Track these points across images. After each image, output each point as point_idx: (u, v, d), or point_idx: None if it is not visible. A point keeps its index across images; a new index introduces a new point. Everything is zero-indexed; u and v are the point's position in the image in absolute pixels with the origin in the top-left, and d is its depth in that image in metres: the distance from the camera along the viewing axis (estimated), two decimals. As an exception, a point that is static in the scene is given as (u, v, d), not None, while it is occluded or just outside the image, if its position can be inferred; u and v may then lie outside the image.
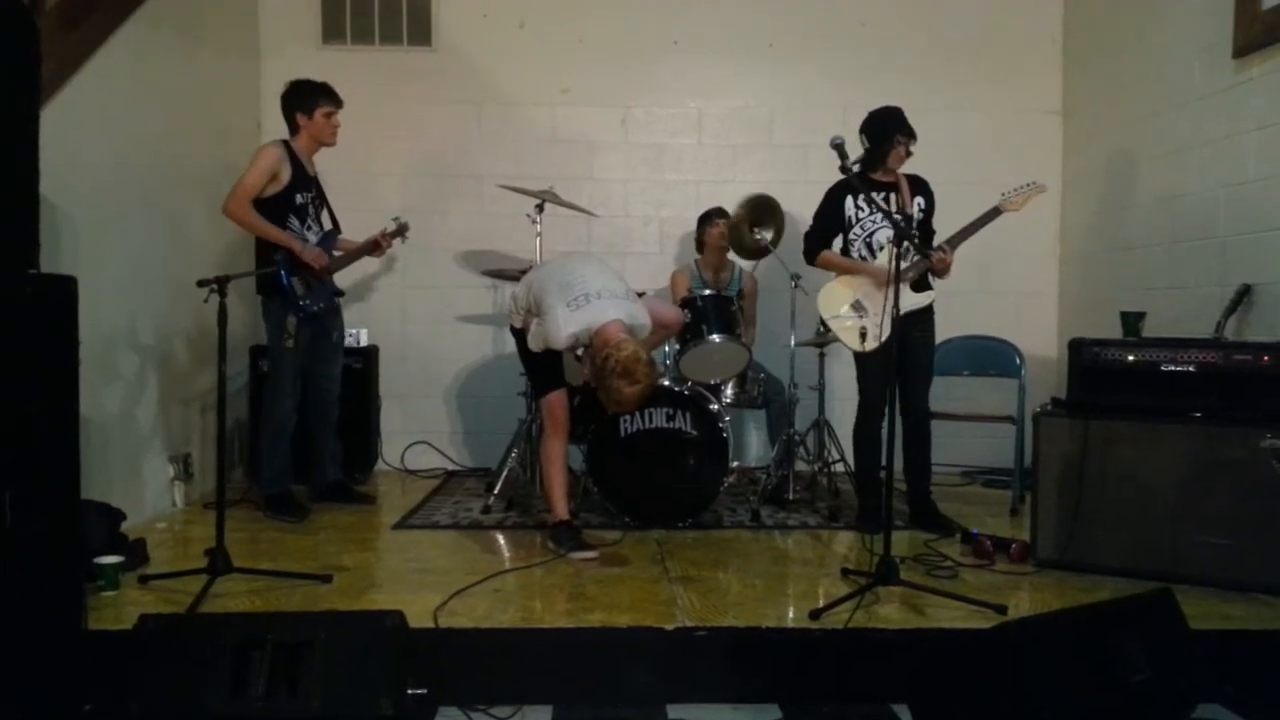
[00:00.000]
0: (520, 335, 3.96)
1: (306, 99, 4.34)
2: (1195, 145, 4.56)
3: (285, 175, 4.26)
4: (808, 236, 4.31)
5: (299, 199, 4.33)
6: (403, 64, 5.74)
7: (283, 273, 4.20)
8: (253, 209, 4.19)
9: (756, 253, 4.86)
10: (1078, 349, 3.65)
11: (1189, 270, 4.58)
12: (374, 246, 4.63)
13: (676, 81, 5.88)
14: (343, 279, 4.73)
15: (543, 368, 3.90)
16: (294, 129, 4.37)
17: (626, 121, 5.89)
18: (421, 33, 5.75)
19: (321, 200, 4.54)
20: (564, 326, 3.59)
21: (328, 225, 4.56)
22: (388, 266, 5.72)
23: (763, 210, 4.74)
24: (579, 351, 3.78)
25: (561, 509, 3.85)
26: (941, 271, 4.07)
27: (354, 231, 4.70)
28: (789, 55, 5.85)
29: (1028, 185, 4.02)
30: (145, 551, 3.53)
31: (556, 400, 3.86)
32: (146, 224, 4.34)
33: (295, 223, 4.33)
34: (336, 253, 4.56)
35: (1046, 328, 5.87)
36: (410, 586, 3.32)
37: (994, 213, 4.01)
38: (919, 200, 4.21)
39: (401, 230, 4.70)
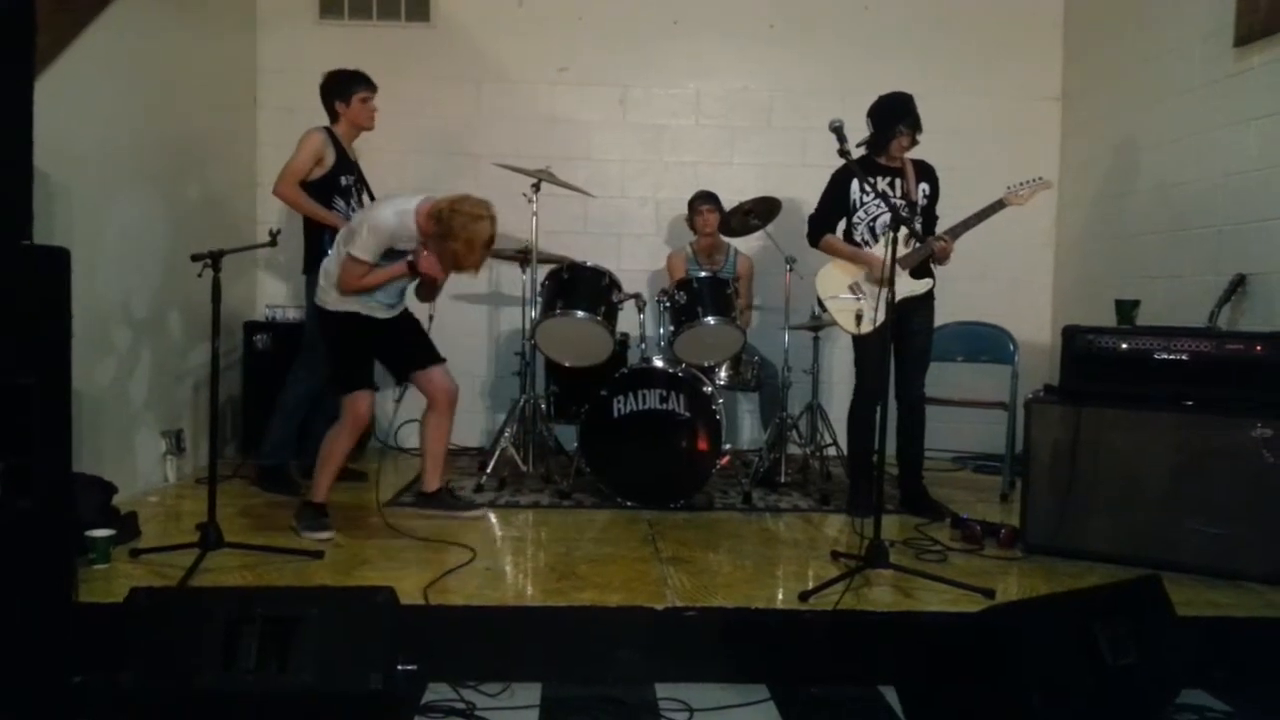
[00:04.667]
0: (332, 321, 3.74)
1: (344, 87, 4.42)
2: (1195, 134, 4.55)
3: (329, 159, 4.36)
4: (812, 219, 4.30)
5: (343, 181, 4.43)
6: (400, 40, 5.71)
7: (330, 250, 4.24)
8: (301, 190, 4.29)
9: (742, 231, 4.87)
10: (1071, 336, 3.66)
11: (1185, 259, 4.59)
12: None
13: (676, 62, 5.86)
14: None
15: (353, 358, 3.77)
16: (334, 117, 4.45)
17: (625, 102, 5.87)
18: (419, 8, 5.71)
19: (363, 183, 4.62)
20: (384, 211, 3.58)
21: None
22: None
23: (767, 207, 4.74)
24: (411, 249, 3.61)
25: (324, 493, 3.80)
26: (942, 259, 4.07)
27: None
28: (789, 38, 5.82)
29: (1034, 180, 4.02)
30: (137, 525, 3.53)
31: (364, 401, 3.75)
32: (141, 198, 4.33)
33: (340, 204, 4.42)
34: None
35: (1041, 314, 5.88)
36: (401, 563, 3.33)
37: (998, 205, 4.01)
38: (923, 186, 4.20)
39: None
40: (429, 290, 3.80)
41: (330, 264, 3.72)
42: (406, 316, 3.91)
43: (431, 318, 3.95)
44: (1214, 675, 2.85)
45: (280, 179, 4.31)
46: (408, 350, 3.89)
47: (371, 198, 4.65)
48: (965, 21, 5.79)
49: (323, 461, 3.79)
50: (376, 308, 3.76)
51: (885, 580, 3.20)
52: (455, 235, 3.46)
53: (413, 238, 3.60)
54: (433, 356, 3.92)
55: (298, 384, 4.41)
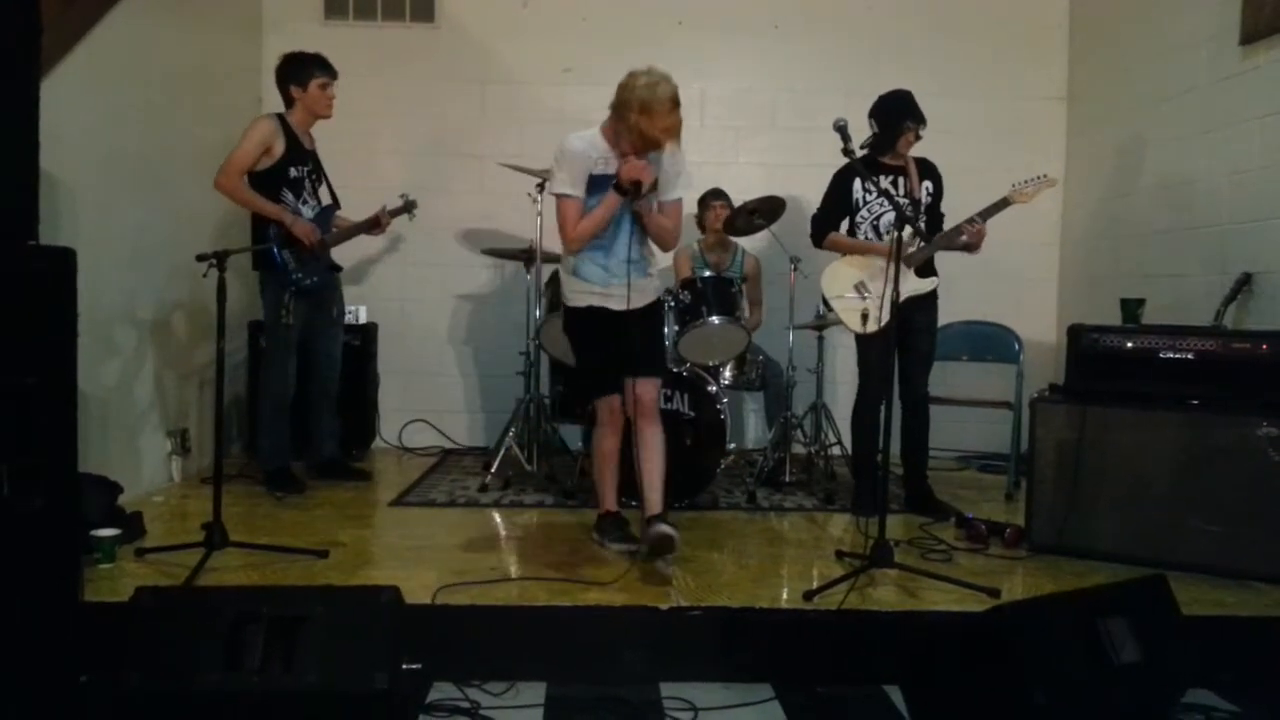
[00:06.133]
0: (573, 318, 3.53)
1: (300, 71, 4.29)
2: (1200, 133, 4.54)
3: (279, 148, 4.23)
4: (815, 219, 4.30)
5: (293, 172, 4.30)
6: (405, 41, 5.72)
7: (274, 247, 4.19)
8: (244, 182, 4.17)
9: (748, 230, 4.86)
10: (1076, 335, 3.65)
11: (1190, 258, 4.58)
12: (373, 224, 4.59)
13: (679, 62, 5.70)
14: (343, 256, 4.71)
15: (592, 361, 3.55)
16: (289, 102, 4.34)
17: (629, 102, 5.85)
18: (424, 9, 5.72)
19: (319, 175, 4.50)
20: (566, 139, 3.44)
21: (326, 200, 4.53)
22: (389, 244, 5.71)
23: (771, 206, 4.74)
24: (609, 171, 3.37)
25: (609, 500, 3.65)
26: (975, 244, 4.02)
27: (355, 210, 4.68)
28: (793, 37, 5.82)
29: (1039, 178, 4.00)
30: (142, 525, 3.53)
31: (612, 404, 3.50)
32: (147, 198, 4.33)
33: (289, 197, 4.29)
34: (333, 228, 4.54)
35: (1046, 314, 5.87)
36: (406, 563, 3.33)
37: (1003, 203, 3.99)
38: (927, 184, 4.19)
39: (408, 207, 4.68)
40: (641, 210, 3.42)
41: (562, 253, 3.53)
42: (647, 317, 3.54)
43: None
44: (1220, 675, 2.83)
45: (222, 170, 4.13)
46: (629, 354, 3.46)
47: (330, 191, 4.57)
48: (970, 21, 5.79)
49: (597, 470, 3.65)
50: (610, 293, 3.42)
51: (890, 580, 3.19)
52: (630, 105, 3.24)
53: (605, 156, 3.39)
54: (644, 366, 3.48)
55: (266, 389, 4.40)
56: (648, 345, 3.56)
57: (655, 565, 3.27)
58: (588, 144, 3.39)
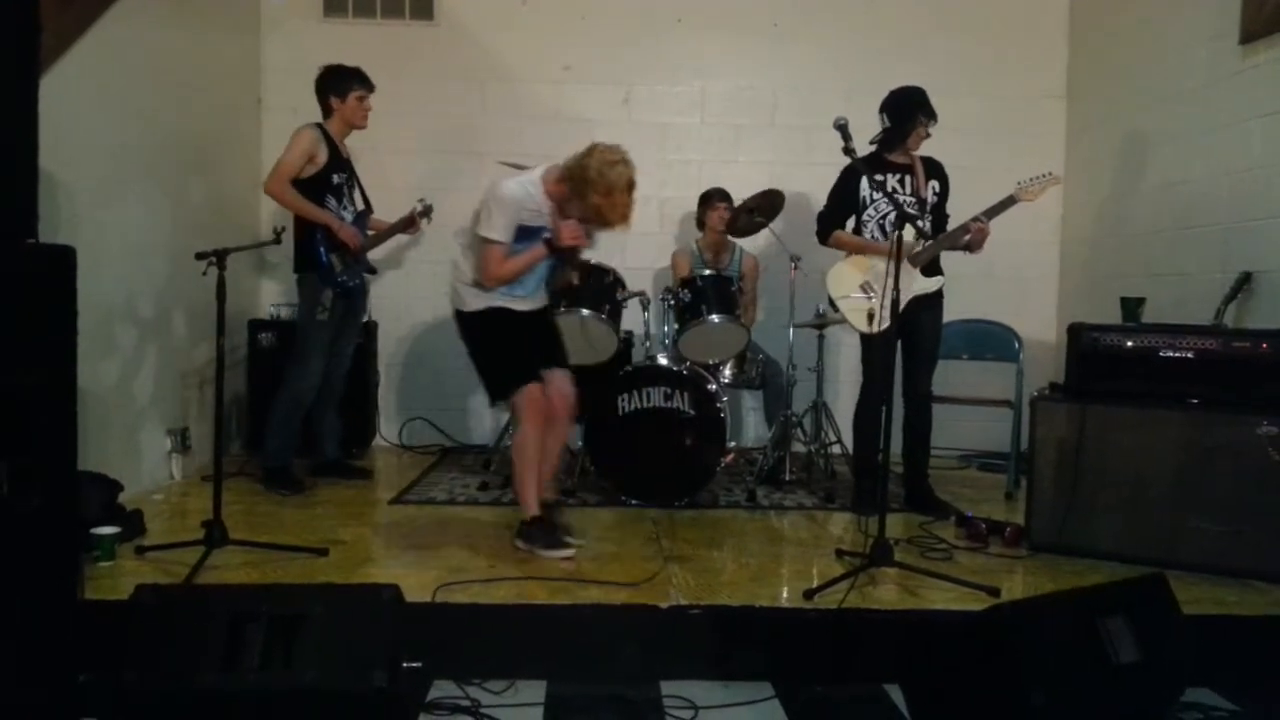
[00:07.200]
0: (473, 322, 3.54)
1: (341, 83, 4.39)
2: (1200, 132, 4.54)
3: (322, 157, 4.33)
4: (821, 217, 4.29)
5: (335, 179, 4.40)
6: (404, 38, 5.71)
7: (321, 249, 4.29)
8: (292, 188, 4.26)
9: (748, 231, 4.85)
10: (1076, 334, 3.65)
11: (1190, 257, 4.57)
12: (409, 224, 4.68)
13: (679, 60, 5.85)
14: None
15: (505, 355, 3.50)
16: (327, 112, 4.43)
17: (629, 100, 5.86)
18: (423, 7, 5.71)
19: (354, 181, 4.59)
20: (506, 183, 3.38)
21: (360, 205, 4.60)
22: (387, 243, 5.70)
23: (770, 201, 4.73)
24: (539, 224, 3.43)
25: (531, 504, 3.50)
26: (978, 243, 4.02)
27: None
28: (793, 35, 5.81)
29: (1044, 176, 3.99)
30: (142, 523, 3.54)
31: (533, 394, 3.45)
32: (146, 196, 4.33)
33: (332, 202, 4.39)
34: (369, 231, 4.61)
35: (1046, 312, 5.87)
36: (406, 561, 3.33)
37: (1009, 201, 3.98)
38: (933, 184, 4.19)
39: (426, 211, 4.73)
40: (567, 266, 3.66)
41: (461, 263, 3.54)
42: (545, 314, 3.70)
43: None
44: (1220, 674, 2.84)
45: (271, 176, 4.27)
46: (537, 349, 3.59)
47: (364, 196, 4.64)
48: (969, 19, 5.78)
49: (518, 474, 3.53)
50: (516, 299, 3.52)
51: (890, 578, 3.19)
52: (593, 185, 3.26)
53: (539, 211, 3.42)
54: (558, 359, 3.65)
55: (287, 389, 4.40)
56: (555, 336, 3.73)
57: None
58: (524, 193, 3.40)
